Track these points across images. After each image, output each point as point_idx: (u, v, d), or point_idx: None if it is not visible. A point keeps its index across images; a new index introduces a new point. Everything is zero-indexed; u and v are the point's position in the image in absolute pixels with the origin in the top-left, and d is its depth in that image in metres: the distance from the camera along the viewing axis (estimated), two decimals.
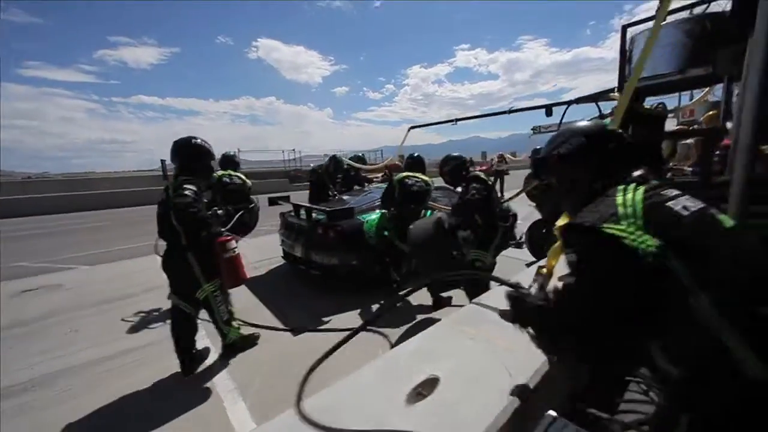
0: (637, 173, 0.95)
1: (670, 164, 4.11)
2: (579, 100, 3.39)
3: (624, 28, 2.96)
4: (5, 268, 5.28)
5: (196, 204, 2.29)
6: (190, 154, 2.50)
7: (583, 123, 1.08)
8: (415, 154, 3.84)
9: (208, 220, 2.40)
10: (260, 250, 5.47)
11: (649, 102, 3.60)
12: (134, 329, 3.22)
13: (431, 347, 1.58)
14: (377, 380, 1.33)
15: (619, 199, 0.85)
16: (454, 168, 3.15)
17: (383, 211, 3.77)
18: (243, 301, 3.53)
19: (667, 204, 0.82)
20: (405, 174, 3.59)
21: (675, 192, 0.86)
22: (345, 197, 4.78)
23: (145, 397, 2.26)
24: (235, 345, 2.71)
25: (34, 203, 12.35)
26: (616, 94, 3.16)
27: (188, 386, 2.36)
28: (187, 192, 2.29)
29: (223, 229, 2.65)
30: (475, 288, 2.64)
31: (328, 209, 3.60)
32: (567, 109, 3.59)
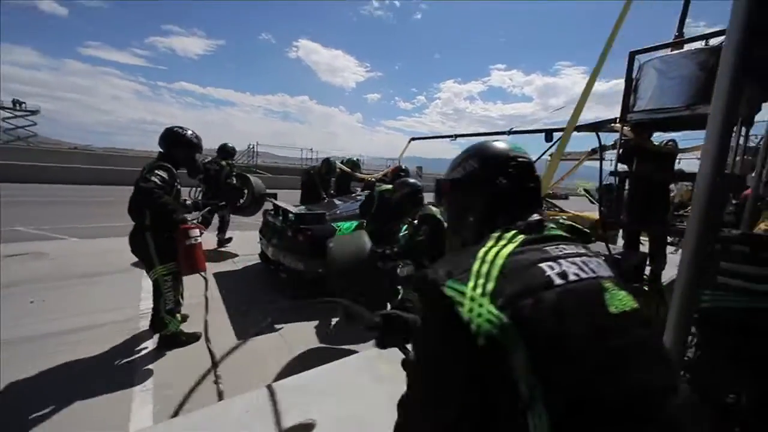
0: (534, 218, 0.71)
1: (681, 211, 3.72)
2: (578, 129, 3.12)
3: (632, 55, 2.70)
4: (3, 232, 5.50)
5: (159, 189, 2.36)
6: (173, 143, 2.59)
7: (489, 143, 0.82)
8: (404, 166, 3.68)
9: (168, 206, 2.42)
10: (250, 245, 5.37)
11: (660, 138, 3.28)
12: (97, 307, 3.19)
13: (325, 384, 1.40)
14: (247, 415, 1.17)
15: (483, 249, 0.62)
16: (405, 197, 2.91)
17: (361, 221, 3.61)
18: (200, 295, 3.45)
19: (540, 266, 0.58)
20: (387, 187, 3.43)
21: (568, 250, 0.63)
22: (336, 201, 4.67)
23: (60, 380, 2.20)
24: (175, 338, 2.63)
25: (74, 173, 13.06)
26: (618, 125, 2.88)
27: (110, 375, 2.28)
28: (153, 177, 2.38)
29: (190, 218, 2.69)
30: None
31: (298, 212, 3.48)
32: (563, 136, 3.33)
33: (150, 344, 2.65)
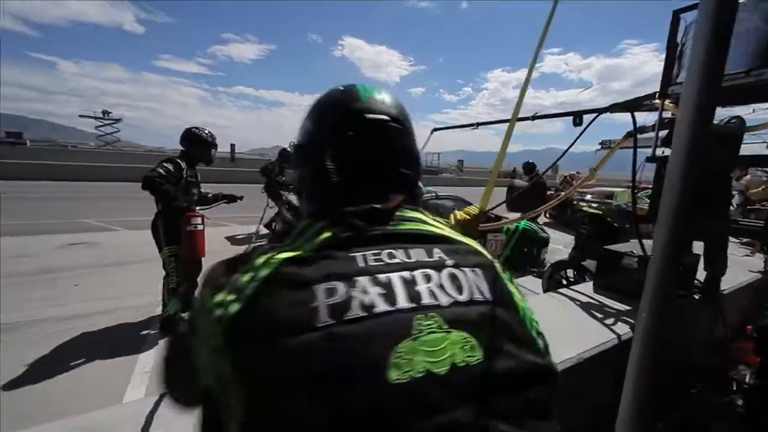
0: (369, 206, 0.46)
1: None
2: (612, 108, 2.67)
3: (675, 15, 2.21)
4: (73, 223, 6.30)
5: (161, 179, 2.60)
6: (192, 142, 2.89)
7: (334, 90, 0.56)
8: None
9: (169, 193, 2.64)
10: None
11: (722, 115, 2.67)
12: (124, 293, 3.48)
13: None
14: None
15: (267, 250, 0.43)
16: None
17: None
18: None
19: (314, 288, 0.37)
20: None
21: (395, 260, 0.41)
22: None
23: (74, 355, 2.41)
24: (173, 321, 2.75)
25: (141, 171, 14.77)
26: (657, 101, 2.39)
27: (115, 356, 2.45)
28: (159, 168, 2.64)
29: (199, 208, 2.93)
30: None
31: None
32: (596, 117, 2.89)
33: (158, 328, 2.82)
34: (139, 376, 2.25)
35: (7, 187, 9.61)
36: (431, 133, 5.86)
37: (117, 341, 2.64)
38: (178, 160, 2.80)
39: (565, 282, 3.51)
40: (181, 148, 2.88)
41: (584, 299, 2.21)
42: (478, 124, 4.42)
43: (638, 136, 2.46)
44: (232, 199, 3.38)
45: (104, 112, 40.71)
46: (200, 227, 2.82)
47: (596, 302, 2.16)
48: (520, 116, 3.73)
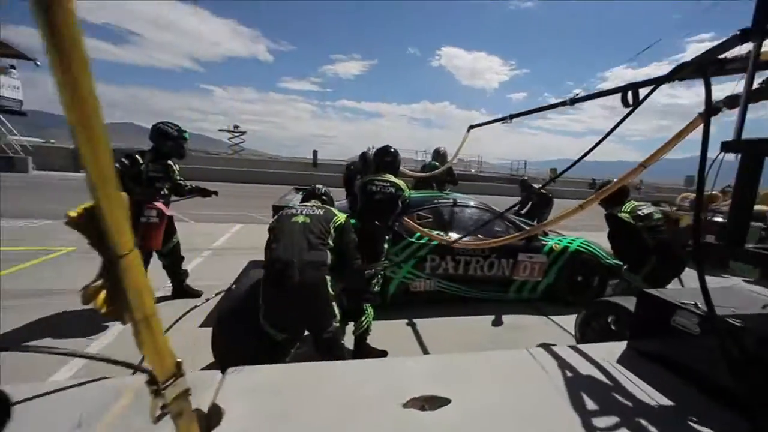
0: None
1: None
2: (675, 74, 1.76)
3: None
4: None
5: (117, 166, 2.76)
6: (155, 136, 3.07)
7: None
8: (392, 149, 2.95)
9: (122, 185, 2.75)
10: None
11: None
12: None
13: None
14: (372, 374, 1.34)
15: None
16: (388, 197, 2.74)
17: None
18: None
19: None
20: (370, 177, 2.83)
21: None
22: None
23: (47, 329, 2.68)
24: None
25: (254, 174, 17.09)
26: (747, 47, 1.42)
27: (88, 334, 2.64)
28: (116, 163, 2.77)
29: (174, 199, 3.21)
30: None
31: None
32: (654, 90, 2.01)
33: None
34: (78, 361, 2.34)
35: None
36: (468, 131, 5.11)
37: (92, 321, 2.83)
38: (136, 155, 2.94)
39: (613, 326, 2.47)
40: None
41: (615, 371, 1.48)
42: (512, 116, 3.61)
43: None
44: (206, 193, 3.44)
45: (235, 126, 48.45)
46: (153, 219, 2.89)
47: (630, 380, 1.42)
48: (556, 103, 2.87)
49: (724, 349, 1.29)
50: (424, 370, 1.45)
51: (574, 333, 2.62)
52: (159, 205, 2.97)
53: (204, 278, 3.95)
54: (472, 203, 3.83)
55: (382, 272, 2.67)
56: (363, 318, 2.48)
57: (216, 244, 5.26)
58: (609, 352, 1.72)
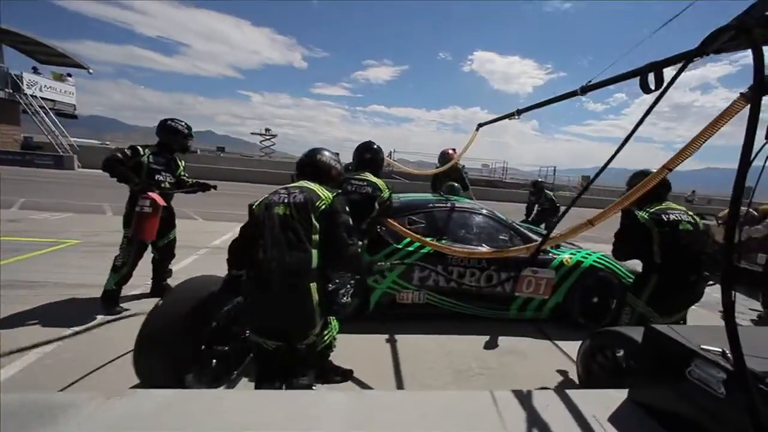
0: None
1: None
2: (722, 36, 1.38)
3: None
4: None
5: (118, 161, 2.81)
6: (162, 131, 3.10)
7: None
8: (374, 145, 2.69)
9: (124, 175, 2.82)
10: None
11: None
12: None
13: None
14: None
15: None
16: (362, 197, 2.44)
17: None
18: None
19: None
20: (347, 175, 2.57)
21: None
22: None
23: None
24: (107, 295, 2.90)
25: (283, 176, 17.65)
26: None
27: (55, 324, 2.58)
28: (118, 152, 2.89)
29: (178, 191, 3.22)
30: None
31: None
32: (684, 68, 1.67)
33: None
34: (41, 350, 2.31)
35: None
36: (477, 129, 4.71)
37: (59, 314, 2.81)
38: (138, 146, 2.96)
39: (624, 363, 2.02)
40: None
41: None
42: (519, 111, 3.22)
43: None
44: (205, 187, 3.36)
45: (266, 130, 50.19)
46: (147, 209, 2.83)
47: None
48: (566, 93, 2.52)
49: (758, 421, 0.89)
50: (344, 408, 1.17)
51: (577, 369, 2.19)
52: (153, 195, 2.91)
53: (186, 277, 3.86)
54: (473, 208, 3.46)
55: (351, 282, 2.38)
56: (326, 332, 2.21)
57: (215, 242, 5.22)
58: (600, 402, 1.34)
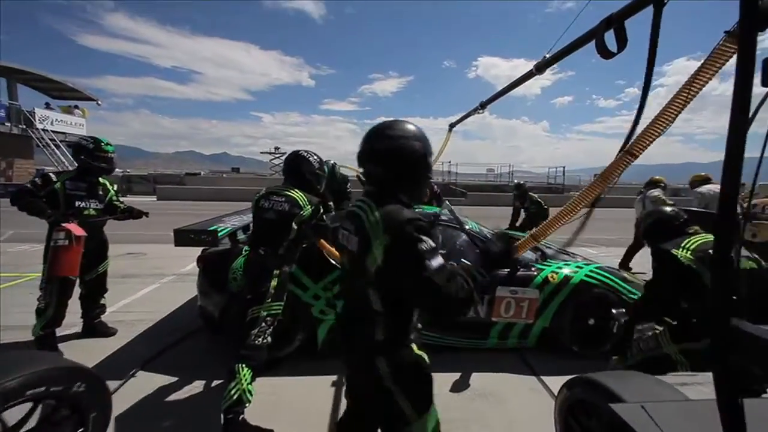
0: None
1: None
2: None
3: None
4: (162, 235, 7.44)
5: (28, 193, 2.53)
6: (75, 152, 2.78)
7: None
8: (303, 152, 2.28)
9: (32, 206, 2.51)
10: None
11: None
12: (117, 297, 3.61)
13: None
14: None
15: None
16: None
17: None
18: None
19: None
20: (268, 190, 2.16)
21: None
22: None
23: None
24: (41, 341, 2.58)
25: None
26: None
27: None
28: (28, 183, 2.59)
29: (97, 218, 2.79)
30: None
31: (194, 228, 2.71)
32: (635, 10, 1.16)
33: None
34: None
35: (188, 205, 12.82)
36: (449, 130, 4.27)
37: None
38: (50, 174, 2.65)
39: None
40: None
41: None
42: (483, 104, 2.78)
43: None
44: (137, 213, 3.02)
45: (275, 148, 51.20)
46: (61, 242, 2.49)
47: None
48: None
49: None
50: None
51: (554, 415, 1.67)
52: (69, 226, 2.59)
53: (139, 309, 3.54)
54: (447, 220, 2.99)
55: (269, 319, 1.96)
56: (232, 385, 1.79)
57: (185, 269, 4.90)
58: None
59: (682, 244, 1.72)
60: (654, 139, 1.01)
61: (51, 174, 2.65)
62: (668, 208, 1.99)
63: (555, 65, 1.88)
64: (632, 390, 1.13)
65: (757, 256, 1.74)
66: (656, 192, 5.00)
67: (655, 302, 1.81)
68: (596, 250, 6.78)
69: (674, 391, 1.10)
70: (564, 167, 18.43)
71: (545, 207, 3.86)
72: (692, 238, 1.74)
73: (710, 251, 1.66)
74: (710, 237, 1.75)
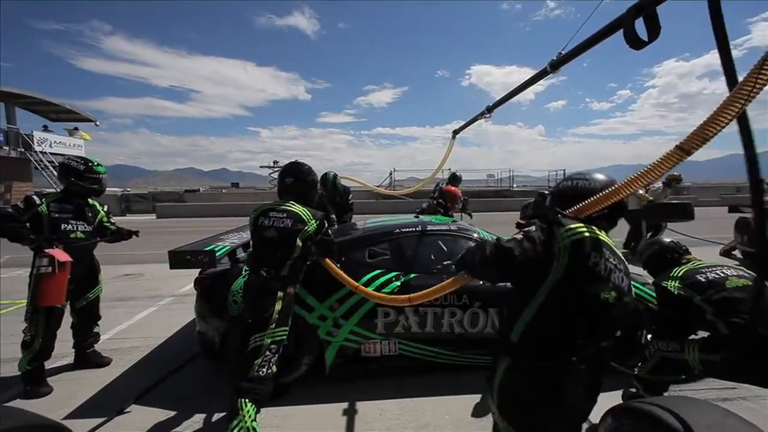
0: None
1: None
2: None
3: None
4: (152, 255, 7.26)
5: (9, 218, 2.38)
6: (60, 174, 2.67)
7: None
8: (304, 166, 2.15)
9: (12, 232, 2.38)
10: None
11: None
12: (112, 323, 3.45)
13: None
14: None
15: None
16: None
17: None
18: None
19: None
20: (266, 206, 2.03)
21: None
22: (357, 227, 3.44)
23: None
24: (29, 376, 2.44)
25: None
26: None
27: None
28: (9, 207, 2.47)
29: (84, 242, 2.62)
30: None
31: (187, 249, 2.57)
32: None
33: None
34: None
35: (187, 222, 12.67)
36: (452, 137, 4.17)
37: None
38: (34, 197, 2.50)
39: None
40: None
41: None
42: (489, 108, 2.67)
43: None
44: (126, 234, 2.88)
45: (274, 162, 51.27)
46: (44, 270, 2.33)
47: None
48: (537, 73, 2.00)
49: None
50: None
51: None
52: (52, 251, 2.43)
53: (135, 335, 3.36)
54: (448, 230, 2.84)
55: (273, 347, 1.79)
56: (234, 423, 1.61)
57: (183, 289, 4.73)
58: None
59: (671, 274, 1.80)
60: (710, 138, 0.88)
61: (34, 197, 2.49)
62: (667, 240, 2.09)
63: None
64: (701, 426, 0.97)
65: (747, 271, 1.73)
66: (658, 185, 5.73)
67: (664, 332, 1.85)
68: None
69: (747, 425, 0.94)
70: (564, 170, 18.38)
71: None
72: (681, 266, 1.82)
73: (698, 276, 1.67)
74: (699, 262, 1.85)
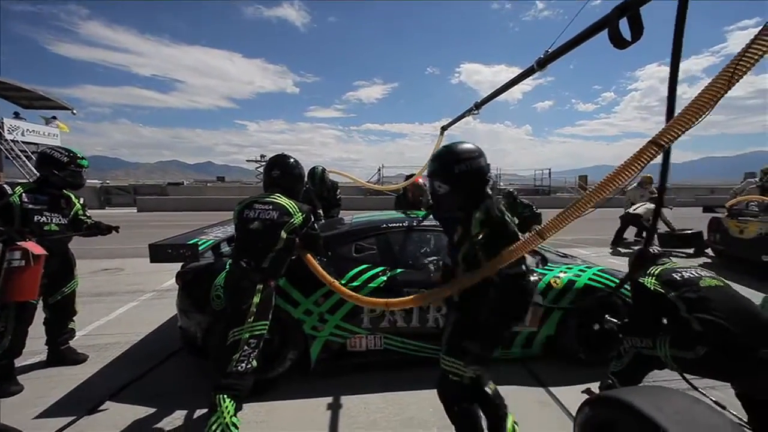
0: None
1: None
2: None
3: None
4: (133, 249, 7.05)
5: None
6: (39, 163, 2.56)
7: None
8: (291, 159, 2.12)
9: None
10: None
11: None
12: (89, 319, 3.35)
13: None
14: None
15: None
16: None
17: None
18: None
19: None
20: (251, 199, 1.99)
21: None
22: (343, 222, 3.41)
23: None
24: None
25: None
26: None
27: None
28: None
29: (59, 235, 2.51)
30: None
31: (168, 242, 2.50)
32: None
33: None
34: None
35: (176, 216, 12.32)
36: (441, 132, 4.18)
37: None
38: (5, 186, 2.39)
39: None
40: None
41: None
42: (477, 105, 2.68)
43: None
44: (105, 229, 2.78)
45: (261, 156, 50.60)
46: (17, 263, 2.22)
47: None
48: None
49: None
50: None
51: None
52: (25, 244, 2.33)
53: (114, 331, 3.27)
54: (437, 226, 2.86)
55: (252, 342, 1.77)
56: (213, 419, 1.59)
57: (165, 284, 4.61)
58: None
59: (648, 272, 1.85)
60: (684, 130, 0.90)
61: (6, 186, 2.38)
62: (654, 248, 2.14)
63: (538, 73, 1.81)
64: (669, 412, 1.01)
65: (721, 278, 1.80)
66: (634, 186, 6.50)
67: (637, 327, 1.89)
68: (588, 250, 6.79)
69: (719, 415, 0.99)
70: (550, 169, 18.71)
71: (538, 211, 3.78)
72: (659, 266, 1.87)
73: (674, 274, 1.74)
74: (675, 263, 1.92)
